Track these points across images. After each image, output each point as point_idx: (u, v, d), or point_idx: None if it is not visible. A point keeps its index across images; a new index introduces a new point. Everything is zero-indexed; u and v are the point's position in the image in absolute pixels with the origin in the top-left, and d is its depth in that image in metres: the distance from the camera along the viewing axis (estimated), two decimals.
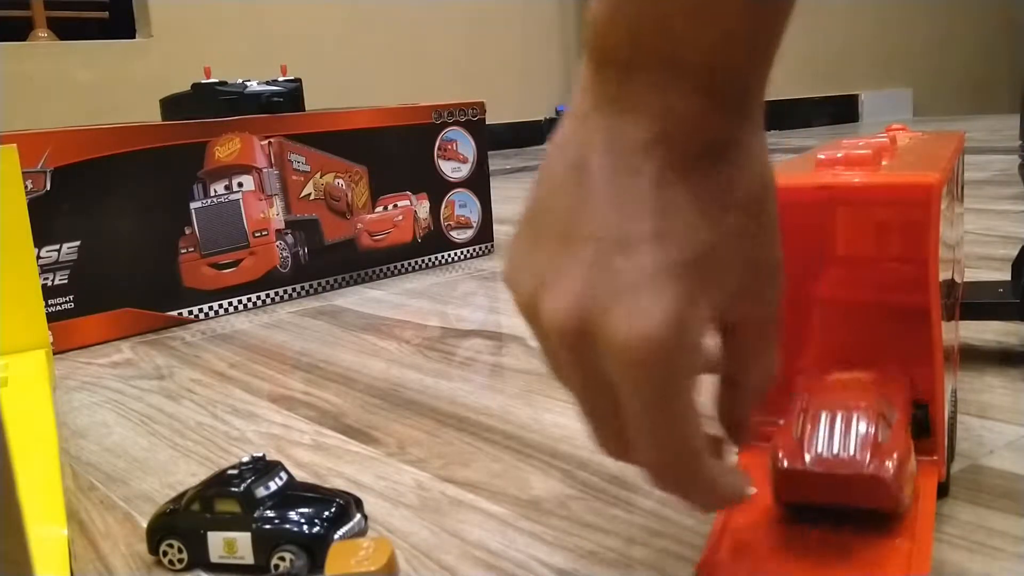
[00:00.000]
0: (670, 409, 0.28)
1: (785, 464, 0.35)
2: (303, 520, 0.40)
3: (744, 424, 0.36)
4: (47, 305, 0.83)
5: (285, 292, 1.01)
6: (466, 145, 1.16)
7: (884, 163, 0.44)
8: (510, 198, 1.77)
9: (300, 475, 0.49)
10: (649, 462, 0.30)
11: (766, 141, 0.30)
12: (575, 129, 0.29)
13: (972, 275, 0.76)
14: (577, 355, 0.29)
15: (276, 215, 1.00)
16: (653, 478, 0.31)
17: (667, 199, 0.27)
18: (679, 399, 0.28)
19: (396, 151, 1.10)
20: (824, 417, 0.36)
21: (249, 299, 0.98)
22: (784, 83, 3.20)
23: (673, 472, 0.30)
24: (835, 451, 0.35)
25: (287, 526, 0.40)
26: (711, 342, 0.33)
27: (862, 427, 0.35)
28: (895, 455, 0.34)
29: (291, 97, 1.06)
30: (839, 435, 0.35)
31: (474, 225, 1.19)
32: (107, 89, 2.26)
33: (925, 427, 0.38)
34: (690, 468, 0.30)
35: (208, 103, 1.02)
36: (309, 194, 1.02)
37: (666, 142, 0.27)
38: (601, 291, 0.27)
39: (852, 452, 0.34)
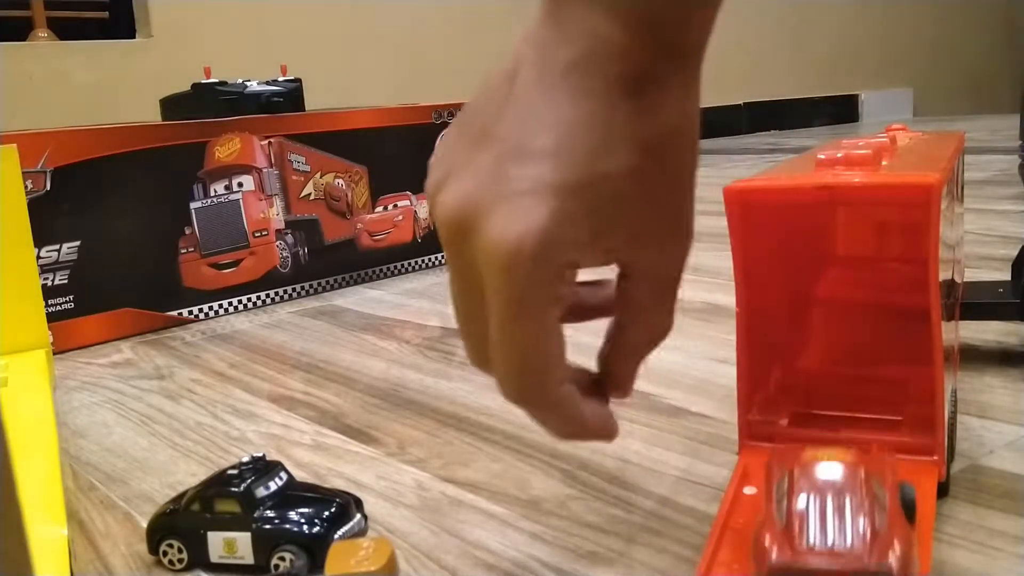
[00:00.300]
0: (524, 321, 0.29)
1: (775, 558, 0.31)
2: (303, 520, 0.40)
3: (622, 375, 0.36)
4: (47, 305, 0.83)
5: (285, 292, 1.01)
6: None
7: (884, 163, 0.44)
8: None
9: (300, 475, 0.49)
10: (497, 372, 0.31)
11: (697, 89, 0.30)
12: (519, 42, 0.30)
13: (972, 275, 0.76)
14: (455, 251, 0.29)
15: (276, 215, 1.00)
16: (500, 388, 0.32)
17: (573, 120, 0.28)
18: (536, 314, 0.29)
19: (396, 151, 1.10)
20: (813, 501, 0.32)
21: (249, 299, 0.98)
22: (784, 83, 3.20)
23: (517, 385, 0.31)
24: (830, 543, 0.31)
25: (287, 526, 0.40)
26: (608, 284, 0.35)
27: (857, 513, 0.31)
28: (896, 544, 0.30)
29: (291, 97, 1.06)
30: (833, 523, 0.31)
31: None
32: (107, 89, 2.26)
33: (913, 511, 0.34)
34: (536, 384, 0.31)
35: (208, 103, 1.02)
36: (309, 194, 1.02)
37: (585, 65, 0.28)
38: (487, 192, 0.28)
39: (850, 543, 0.30)
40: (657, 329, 0.34)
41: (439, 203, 0.29)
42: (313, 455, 0.55)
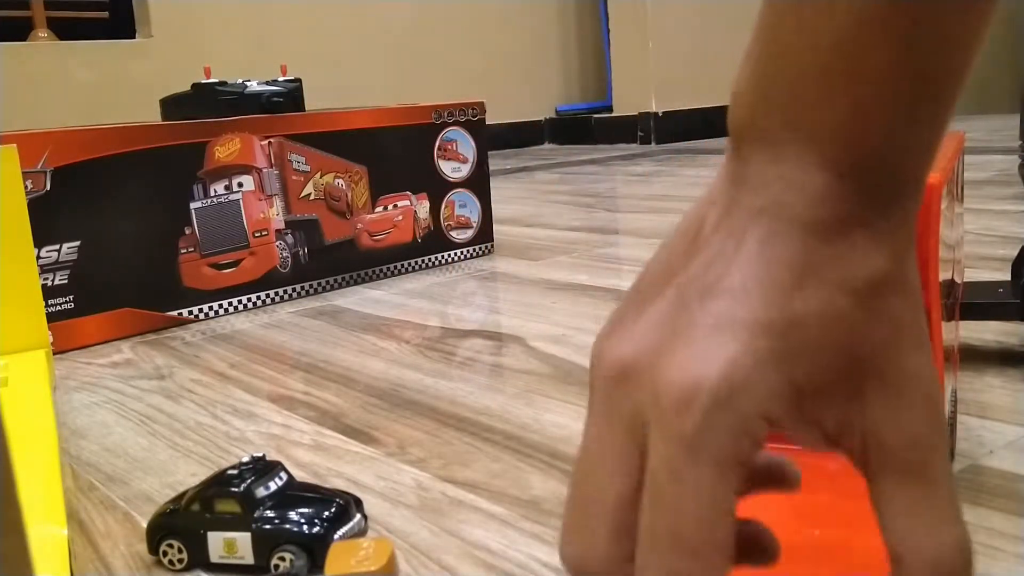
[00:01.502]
0: (700, 467, 0.23)
1: None
2: (303, 520, 0.40)
3: None
4: (47, 305, 0.83)
5: (285, 292, 1.01)
6: (466, 145, 1.16)
7: None
8: (510, 198, 1.77)
9: (300, 475, 0.49)
10: (642, 543, 0.24)
11: (911, 230, 0.26)
12: (697, 204, 0.27)
13: (972, 275, 0.76)
14: (611, 398, 0.25)
15: (276, 215, 1.00)
16: (641, 564, 0.24)
17: (765, 259, 0.24)
18: (714, 462, 0.23)
19: (396, 151, 1.10)
20: None
21: (249, 299, 0.98)
22: None
23: (668, 558, 0.23)
24: None
25: (287, 526, 0.40)
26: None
27: None
28: None
29: (291, 97, 1.06)
30: None
31: (474, 225, 1.19)
32: (107, 89, 2.26)
33: None
34: (706, 566, 0.23)
35: (208, 103, 1.02)
36: (309, 194, 1.02)
37: (775, 210, 0.25)
38: (665, 333, 0.24)
39: None
40: (931, 545, 0.24)
41: (602, 348, 0.25)
42: (313, 455, 0.55)
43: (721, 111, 3.47)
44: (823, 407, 0.25)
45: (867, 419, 0.25)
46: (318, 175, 1.03)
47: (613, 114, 3.09)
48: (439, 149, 1.14)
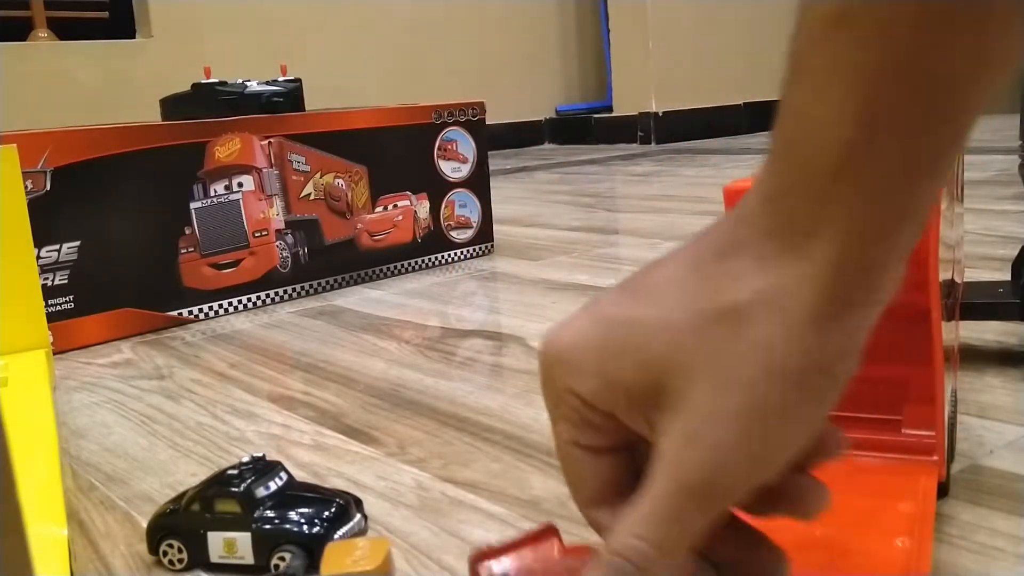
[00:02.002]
0: (552, 425, 0.30)
1: None
2: (303, 520, 0.40)
3: None
4: (47, 305, 0.83)
5: (285, 292, 1.01)
6: (466, 145, 1.16)
7: None
8: (510, 198, 1.77)
9: (300, 475, 0.49)
10: None
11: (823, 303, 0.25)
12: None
13: (972, 275, 0.76)
14: None
15: (276, 215, 1.00)
16: None
17: (665, 266, 0.28)
18: (553, 423, 0.30)
19: (396, 151, 1.10)
20: None
21: (249, 299, 0.98)
22: None
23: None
24: None
25: (287, 526, 0.40)
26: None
27: None
28: None
29: (291, 97, 1.06)
30: None
31: (474, 225, 1.19)
32: (107, 89, 2.26)
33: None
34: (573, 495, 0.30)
35: (208, 103, 1.02)
36: (309, 194, 1.02)
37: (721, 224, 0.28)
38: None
39: None
40: (621, 538, 0.27)
41: None
42: (313, 455, 0.55)
43: (721, 111, 3.49)
44: (636, 406, 0.27)
45: (656, 433, 0.26)
46: (318, 175, 1.03)
47: (613, 114, 3.09)
48: (439, 149, 1.14)
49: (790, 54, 0.25)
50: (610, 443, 0.29)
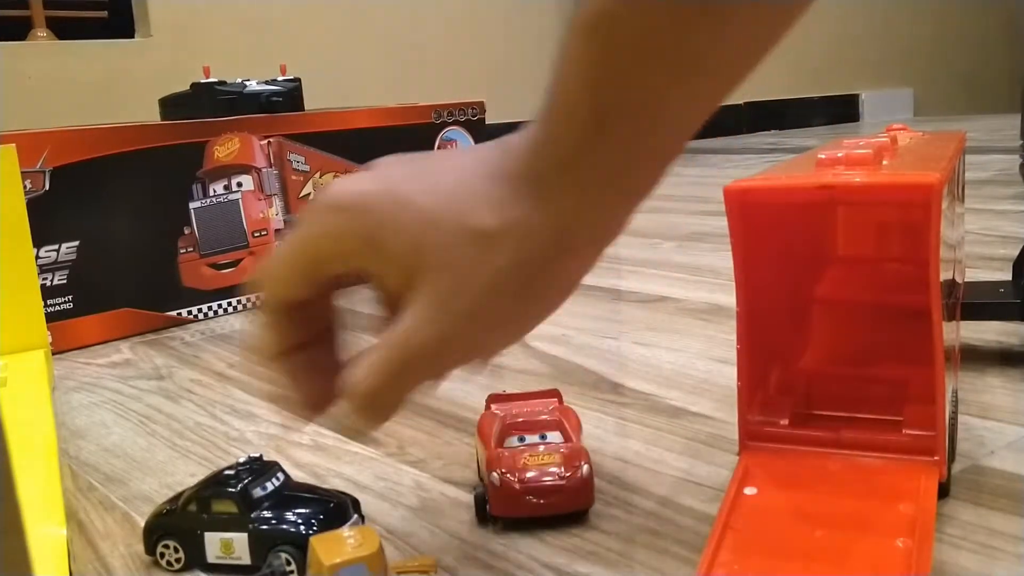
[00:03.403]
0: (302, 247, 0.36)
1: (499, 483, 0.42)
2: (300, 520, 0.40)
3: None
4: (46, 305, 0.83)
5: None
6: (466, 145, 1.16)
7: (885, 163, 0.44)
8: None
9: (299, 475, 0.49)
10: None
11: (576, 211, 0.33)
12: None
13: (972, 275, 0.76)
14: None
15: (275, 215, 1.00)
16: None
17: (453, 155, 0.36)
18: (309, 248, 0.35)
19: (396, 151, 1.10)
20: (523, 439, 0.45)
21: (249, 299, 0.98)
22: (784, 83, 3.20)
23: None
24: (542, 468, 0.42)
25: (284, 526, 0.40)
26: None
27: (557, 446, 0.44)
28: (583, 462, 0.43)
29: (290, 97, 1.06)
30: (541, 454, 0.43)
31: None
32: (106, 89, 2.26)
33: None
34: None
35: (207, 103, 1.02)
36: (308, 194, 1.02)
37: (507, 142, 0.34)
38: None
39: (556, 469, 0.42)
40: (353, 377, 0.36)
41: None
42: (312, 455, 0.55)
43: (721, 111, 3.47)
44: (393, 271, 0.33)
45: (402, 301, 0.34)
46: (318, 175, 1.03)
47: None
48: (439, 149, 1.14)
49: (559, 42, 0.31)
50: (325, 300, 0.39)
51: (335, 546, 0.35)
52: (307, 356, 0.37)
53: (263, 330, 0.36)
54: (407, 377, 0.34)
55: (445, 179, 0.33)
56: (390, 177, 0.34)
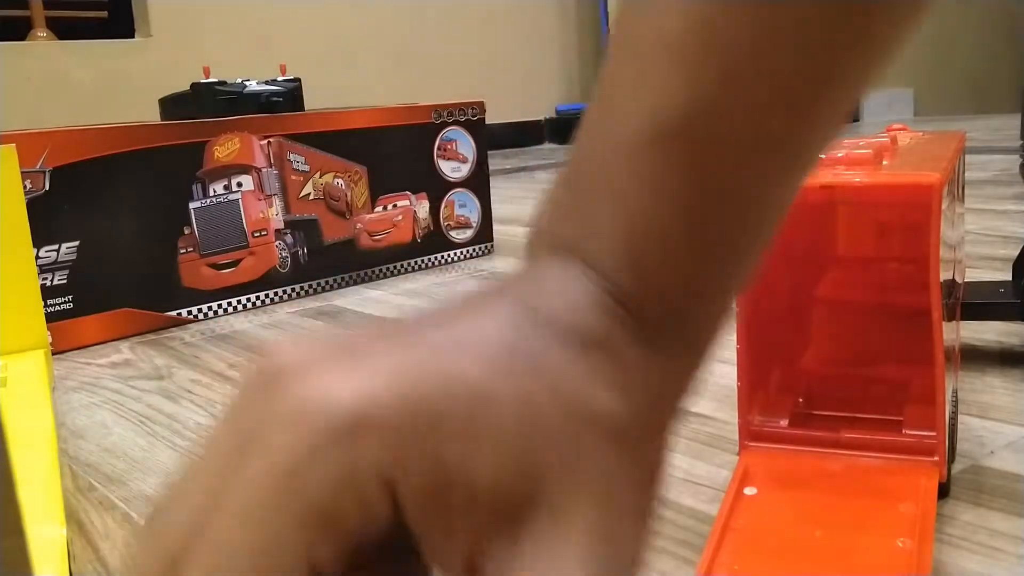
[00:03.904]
0: (268, 525, 0.18)
1: None
2: None
3: None
4: (46, 305, 0.83)
5: (284, 292, 1.01)
6: (466, 145, 1.16)
7: (885, 163, 0.44)
8: (510, 198, 1.77)
9: None
10: None
11: (671, 395, 0.22)
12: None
13: (973, 275, 0.76)
14: (241, 397, 0.21)
15: (275, 215, 1.00)
16: None
17: (497, 324, 0.21)
18: (286, 526, 0.18)
19: (396, 151, 1.10)
20: None
21: (248, 299, 0.98)
22: None
23: None
24: None
25: None
26: None
27: None
28: None
29: (290, 97, 1.06)
30: None
31: (474, 225, 1.19)
32: (106, 89, 2.26)
33: None
34: None
35: (207, 103, 1.02)
36: (308, 194, 1.02)
37: (533, 298, 0.21)
38: (344, 343, 0.21)
39: None
40: None
41: (269, 348, 0.20)
42: None
43: None
44: (469, 515, 0.18)
45: (508, 552, 0.19)
46: (317, 175, 1.03)
47: None
48: (439, 149, 1.14)
49: (599, 171, 0.22)
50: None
51: None
52: None
53: None
54: None
55: (489, 347, 0.19)
56: (406, 354, 0.19)
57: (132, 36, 2.38)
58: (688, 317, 0.22)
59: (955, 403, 0.47)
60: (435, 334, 0.20)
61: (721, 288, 0.22)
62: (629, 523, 0.20)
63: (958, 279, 0.57)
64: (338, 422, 0.17)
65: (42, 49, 2.29)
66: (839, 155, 0.42)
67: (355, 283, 1.07)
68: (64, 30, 2.40)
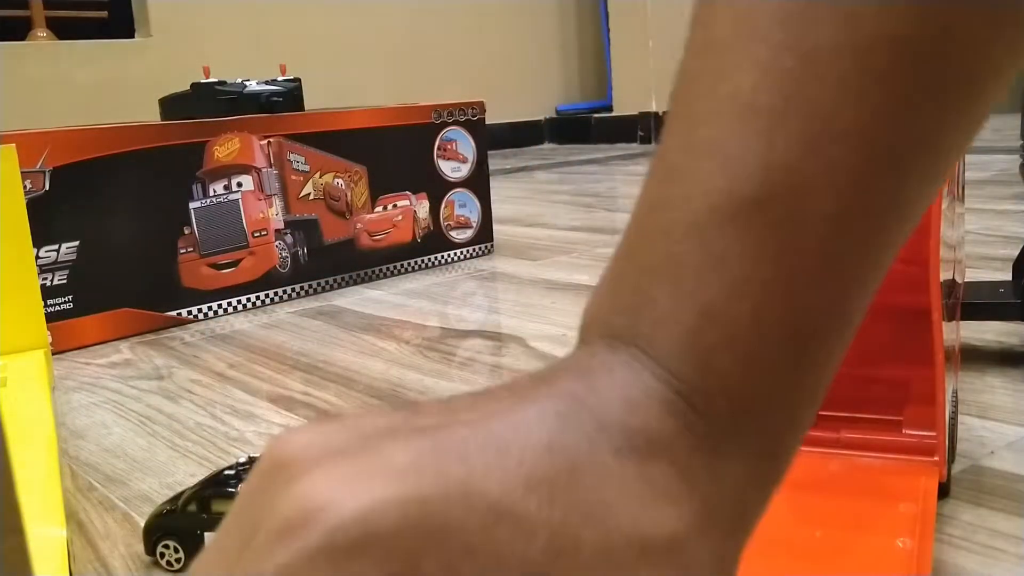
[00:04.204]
0: None
1: None
2: None
3: None
4: (46, 305, 0.83)
5: (284, 292, 1.01)
6: (466, 145, 1.16)
7: None
8: (510, 198, 1.77)
9: None
10: None
11: (737, 514, 0.19)
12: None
13: (973, 275, 0.76)
14: (247, 495, 0.20)
15: (275, 215, 1.00)
16: None
17: (543, 428, 0.18)
18: None
19: (396, 151, 1.10)
20: None
21: (248, 299, 0.98)
22: None
23: None
24: None
25: None
26: None
27: None
28: None
29: (290, 97, 1.06)
30: None
31: (474, 225, 1.18)
32: (106, 89, 2.26)
33: None
34: None
35: (207, 103, 1.02)
36: (308, 194, 1.02)
37: (582, 394, 0.19)
38: (356, 436, 0.19)
39: None
40: None
41: (280, 436, 0.18)
42: None
43: None
44: None
45: None
46: (317, 175, 1.03)
47: (613, 114, 3.09)
48: (439, 149, 1.14)
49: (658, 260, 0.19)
50: None
51: None
52: None
53: None
54: None
55: (524, 453, 0.17)
56: (426, 454, 0.17)
57: (132, 36, 2.38)
58: (766, 419, 0.19)
59: (955, 403, 0.47)
60: (464, 431, 0.17)
61: (806, 385, 0.19)
62: None
63: (958, 279, 0.57)
64: (338, 538, 0.16)
65: (42, 49, 2.29)
66: None
67: (355, 283, 1.07)
68: (64, 30, 2.40)
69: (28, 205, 0.75)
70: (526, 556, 0.16)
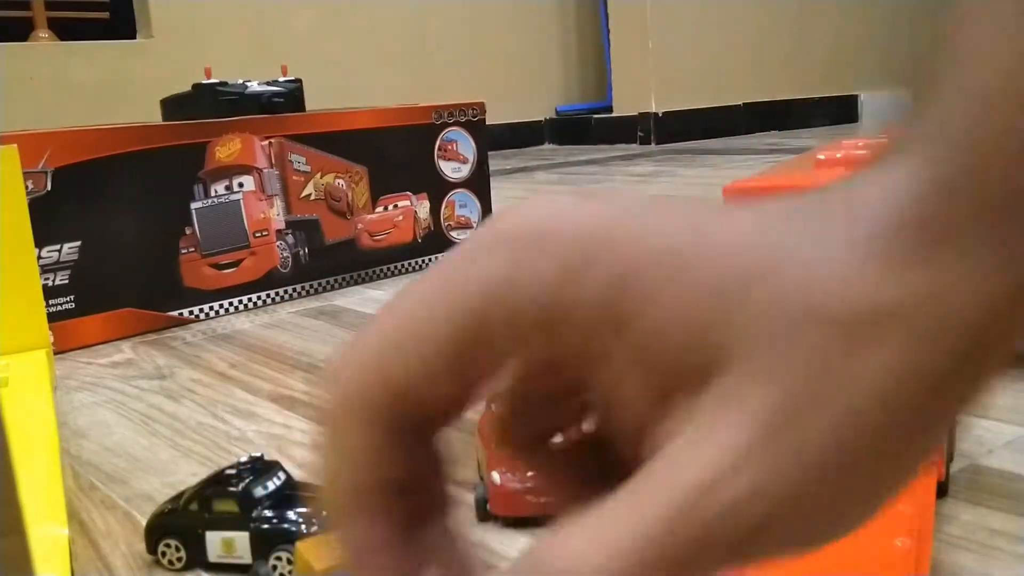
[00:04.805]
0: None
1: (499, 482, 0.44)
2: (301, 520, 0.40)
3: None
4: (48, 305, 0.83)
5: (285, 292, 1.01)
6: (466, 145, 1.16)
7: None
8: (510, 198, 1.77)
9: (300, 475, 0.49)
10: None
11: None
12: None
13: None
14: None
15: (276, 215, 1.00)
16: None
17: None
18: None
19: (396, 151, 1.10)
20: None
21: (250, 299, 0.98)
22: (784, 83, 3.20)
23: None
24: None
25: (285, 526, 0.40)
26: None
27: None
28: None
29: (291, 97, 1.06)
30: None
31: (474, 225, 1.19)
32: (108, 89, 2.26)
33: None
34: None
35: (208, 103, 1.02)
36: (309, 194, 1.03)
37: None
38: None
39: None
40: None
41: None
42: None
43: (721, 111, 3.47)
44: (635, 365, 0.16)
45: (671, 418, 0.16)
46: (318, 175, 1.03)
47: (613, 114, 3.09)
48: (439, 149, 1.14)
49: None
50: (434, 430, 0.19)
51: (323, 552, 0.35)
52: (399, 507, 0.18)
53: (333, 456, 0.19)
54: (689, 564, 0.15)
55: (722, 219, 0.17)
56: (616, 202, 0.17)
57: (134, 37, 2.38)
58: None
59: None
60: (645, 201, 0.18)
61: None
62: (817, 424, 0.15)
63: None
64: (497, 234, 0.17)
65: (44, 50, 2.29)
66: (838, 156, 0.42)
67: (356, 283, 1.07)
68: (66, 31, 2.41)
69: (30, 205, 0.75)
70: (693, 282, 0.16)
